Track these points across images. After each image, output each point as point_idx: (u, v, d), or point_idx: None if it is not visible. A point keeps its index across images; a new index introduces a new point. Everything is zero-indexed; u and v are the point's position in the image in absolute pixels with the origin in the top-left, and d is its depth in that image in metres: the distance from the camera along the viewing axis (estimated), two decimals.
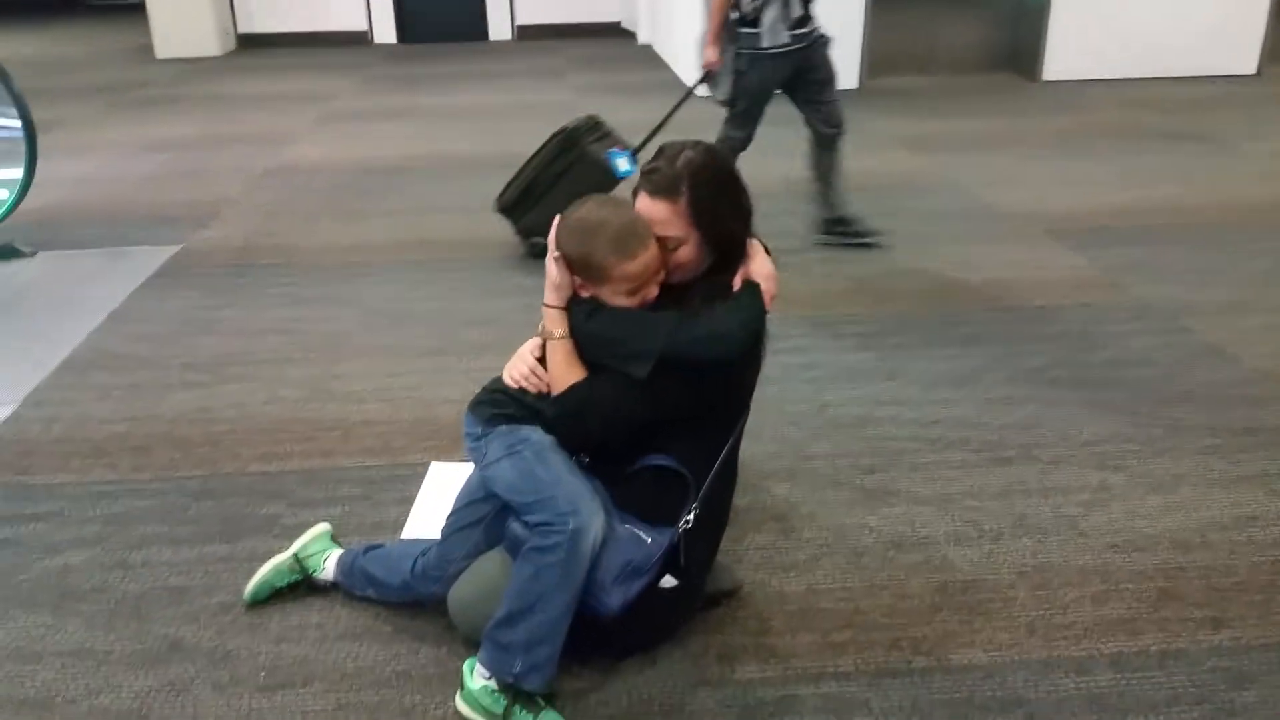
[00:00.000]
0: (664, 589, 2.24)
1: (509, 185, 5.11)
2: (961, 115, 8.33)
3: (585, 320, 2.25)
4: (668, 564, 2.23)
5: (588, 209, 2.27)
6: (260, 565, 2.67)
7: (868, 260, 5.02)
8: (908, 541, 2.84)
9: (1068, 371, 3.82)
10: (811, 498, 3.06)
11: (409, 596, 2.51)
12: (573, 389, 2.23)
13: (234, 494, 3.13)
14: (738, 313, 2.19)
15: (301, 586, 2.62)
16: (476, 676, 2.21)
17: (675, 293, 2.28)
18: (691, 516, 2.25)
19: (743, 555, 2.78)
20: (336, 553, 2.64)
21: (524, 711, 2.17)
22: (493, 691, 2.18)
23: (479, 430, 2.38)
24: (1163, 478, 3.13)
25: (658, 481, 2.27)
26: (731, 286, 2.24)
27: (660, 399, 2.20)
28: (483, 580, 2.33)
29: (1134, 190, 6.09)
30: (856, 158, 6.91)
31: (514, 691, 2.17)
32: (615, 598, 2.17)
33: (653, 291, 2.25)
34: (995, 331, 4.19)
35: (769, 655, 2.42)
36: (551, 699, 2.24)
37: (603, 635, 2.33)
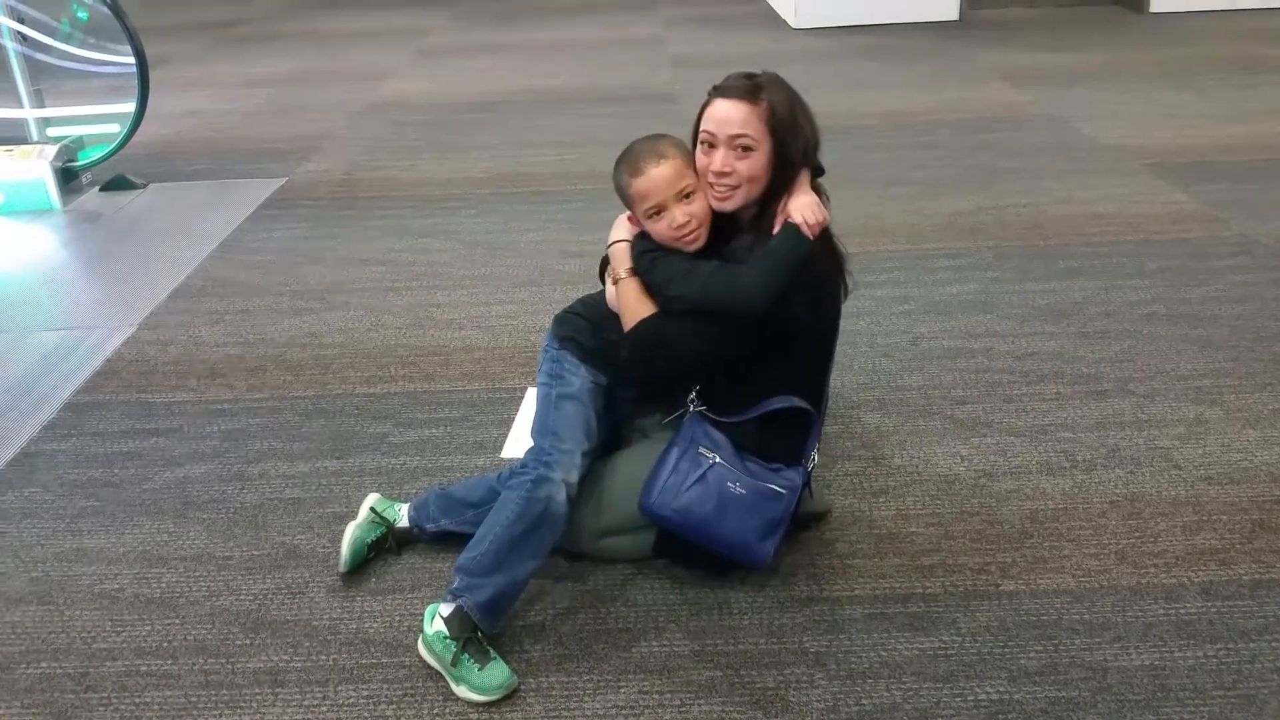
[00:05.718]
0: None
1: None
2: (1065, 48, 8.09)
3: (637, 257, 2.30)
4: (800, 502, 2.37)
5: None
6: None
7: (962, 194, 4.96)
8: (999, 470, 2.86)
9: (1166, 307, 3.76)
10: (902, 427, 3.09)
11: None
12: (640, 325, 2.27)
13: (343, 413, 3.27)
14: (766, 257, 2.17)
15: (390, 541, 2.58)
16: (436, 620, 2.23)
17: (726, 223, 2.29)
18: (815, 452, 2.38)
19: (832, 481, 2.83)
20: (405, 505, 2.63)
21: (471, 661, 2.17)
22: (445, 638, 2.19)
23: (546, 342, 2.52)
24: (1261, 412, 3.09)
25: (781, 423, 2.32)
26: (773, 229, 2.22)
27: (719, 338, 2.24)
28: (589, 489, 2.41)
29: (1240, 125, 5.89)
30: (957, 90, 6.84)
31: (464, 640, 2.19)
32: (769, 547, 2.32)
33: (680, 218, 2.22)
34: (1093, 266, 4.13)
35: (857, 576, 2.48)
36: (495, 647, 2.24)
37: (697, 553, 2.42)
